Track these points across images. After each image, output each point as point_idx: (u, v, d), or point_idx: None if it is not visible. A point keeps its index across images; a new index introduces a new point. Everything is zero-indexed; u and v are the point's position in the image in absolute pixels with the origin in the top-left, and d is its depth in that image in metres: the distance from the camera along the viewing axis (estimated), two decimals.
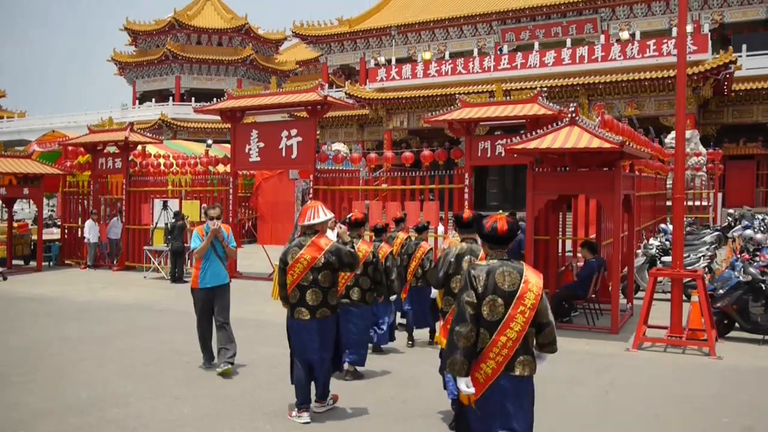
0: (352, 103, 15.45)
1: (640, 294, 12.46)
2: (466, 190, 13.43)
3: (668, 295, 12.01)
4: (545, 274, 12.12)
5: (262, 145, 15.52)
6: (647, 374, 7.70)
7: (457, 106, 13.37)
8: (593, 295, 10.43)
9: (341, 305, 6.63)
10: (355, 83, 35.72)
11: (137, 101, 47.98)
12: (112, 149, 18.05)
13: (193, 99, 43.49)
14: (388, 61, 33.78)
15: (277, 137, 15.28)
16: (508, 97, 13.00)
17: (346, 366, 6.95)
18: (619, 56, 28.35)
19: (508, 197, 32.50)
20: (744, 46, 29.71)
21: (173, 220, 15.74)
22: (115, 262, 17.95)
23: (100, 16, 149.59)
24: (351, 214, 7.63)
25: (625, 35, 28.67)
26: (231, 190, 16.17)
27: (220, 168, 18.08)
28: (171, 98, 44.94)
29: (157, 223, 16.93)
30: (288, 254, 5.82)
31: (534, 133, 9.92)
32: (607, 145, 9.16)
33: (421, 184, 14.08)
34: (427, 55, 33.03)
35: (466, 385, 3.70)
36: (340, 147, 26.08)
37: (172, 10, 44.47)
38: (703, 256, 13.66)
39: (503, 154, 12.93)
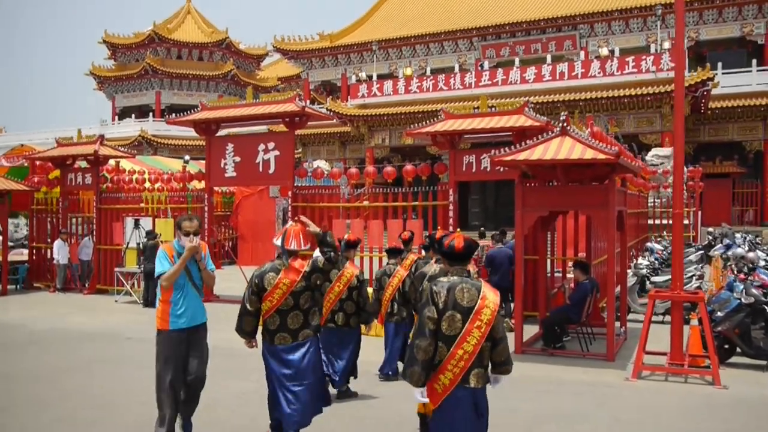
0: (331, 115, 14.66)
1: (630, 316, 11.79)
2: (451, 207, 12.69)
3: (659, 317, 11.48)
4: (534, 296, 11.51)
5: (238, 159, 14.70)
6: (651, 408, 6.95)
7: (440, 118, 12.68)
8: (584, 319, 9.71)
9: (327, 327, 6.75)
10: (336, 99, 35.03)
11: (117, 117, 46.81)
12: (84, 164, 17.08)
13: (173, 115, 42.41)
14: (370, 77, 33.14)
15: (253, 151, 14.47)
16: (493, 109, 12.34)
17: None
18: (599, 73, 27.96)
19: (490, 216, 31.87)
20: (719, 64, 29.49)
21: (145, 240, 14.81)
22: (86, 285, 16.93)
23: (78, 28, 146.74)
24: (346, 235, 7.32)
25: (604, 51, 28.28)
26: (206, 208, 15.28)
27: (198, 185, 17.16)
28: (151, 114, 43.87)
29: (128, 243, 15.99)
30: (264, 280, 5.21)
31: (522, 144, 9.21)
32: (601, 156, 8.48)
33: (404, 201, 13.31)
34: (409, 71, 32.46)
35: (420, 395, 3.93)
36: (321, 164, 25.27)
37: (151, 23, 43.46)
38: (693, 276, 13.02)
39: (488, 169, 12.30)
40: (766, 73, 28.86)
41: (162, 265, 5.52)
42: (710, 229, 23.63)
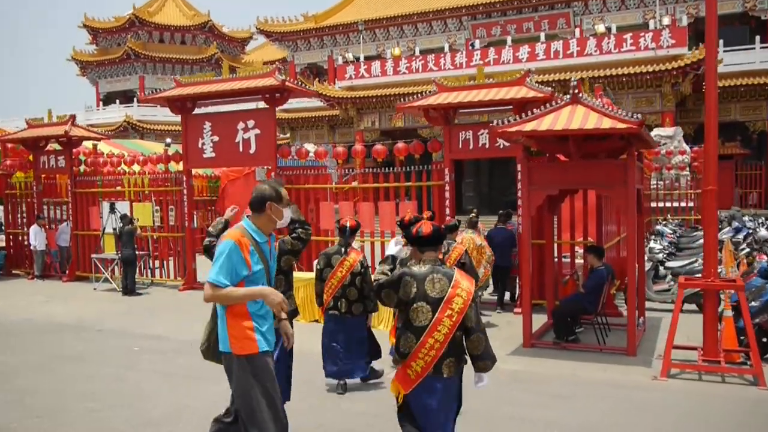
0: (314, 90, 13.40)
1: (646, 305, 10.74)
2: (447, 187, 11.54)
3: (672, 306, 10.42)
4: (540, 284, 10.43)
5: (216, 139, 13.47)
6: (693, 417, 5.87)
7: (433, 91, 11.50)
8: (600, 309, 8.63)
9: (329, 314, 6.68)
10: (323, 82, 33.69)
11: (101, 103, 45.16)
12: (58, 147, 15.79)
13: (148, 95, 40.83)
14: (357, 59, 31.82)
15: (232, 130, 13.23)
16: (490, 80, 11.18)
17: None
18: (595, 51, 26.78)
19: (484, 201, 30.77)
20: (721, 42, 28.18)
21: (120, 225, 13.60)
22: (65, 272, 15.75)
23: (57, 11, 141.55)
24: (342, 220, 6.91)
25: (601, 28, 27.02)
26: (185, 191, 14.04)
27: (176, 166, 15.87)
28: (135, 99, 42.32)
29: (105, 228, 14.77)
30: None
31: (526, 115, 8.06)
32: (621, 125, 7.35)
33: (396, 182, 12.15)
34: (397, 51, 31.13)
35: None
36: (310, 148, 24.06)
37: (131, 6, 41.75)
38: None
39: (487, 145, 11.19)
40: None
41: (229, 267, 3.64)
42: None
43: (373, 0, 38.18)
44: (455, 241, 8.21)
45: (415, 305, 3.76)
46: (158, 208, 14.50)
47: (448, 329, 3.71)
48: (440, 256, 4.25)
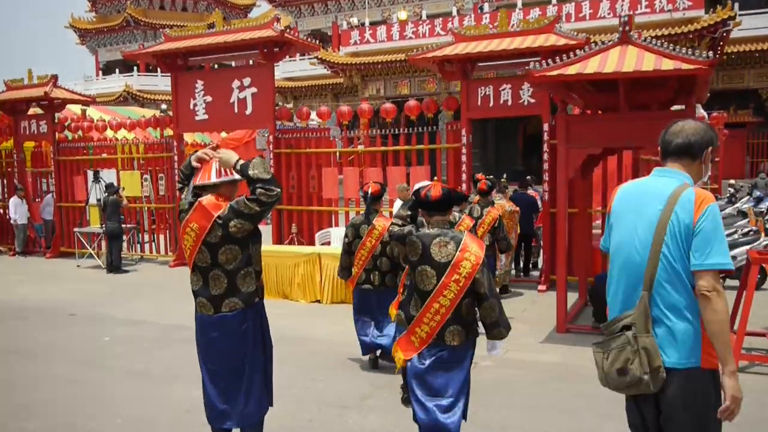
0: (317, 44, 11.90)
1: None
2: (464, 150, 10.12)
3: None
4: (572, 260, 9.09)
5: (209, 99, 12.02)
6: None
7: (449, 41, 10.03)
8: None
9: (360, 289, 5.94)
10: (327, 49, 31.97)
11: (101, 72, 43.44)
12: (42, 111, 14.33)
13: (158, 69, 39.20)
14: (362, 24, 30.08)
15: (226, 89, 11.79)
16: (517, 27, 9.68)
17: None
18: (608, 14, 25.01)
19: (491, 170, 29.00)
20: (736, 5, 26.47)
21: (105, 195, 12.24)
22: (49, 247, 14.44)
23: None
24: (366, 186, 6.18)
25: None
26: (175, 158, 12.62)
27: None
28: (135, 68, 40.61)
29: (88, 200, 13.42)
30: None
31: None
32: (687, 66, 5.90)
33: (407, 145, 10.72)
34: (403, 15, 29.40)
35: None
36: (313, 117, 22.65)
37: None
38: (752, 231, 10.53)
39: (510, 103, 9.73)
40: None
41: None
42: (731, 182, 21.09)
43: None
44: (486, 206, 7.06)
45: (419, 268, 3.51)
46: (147, 177, 13.11)
47: (454, 294, 3.43)
48: (470, 222, 4.29)
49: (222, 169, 3.66)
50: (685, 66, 5.89)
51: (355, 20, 30.58)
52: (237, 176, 3.60)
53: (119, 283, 11.02)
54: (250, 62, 12.64)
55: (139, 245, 13.58)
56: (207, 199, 3.62)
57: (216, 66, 14.22)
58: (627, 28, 6.55)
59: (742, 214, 15.26)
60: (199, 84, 12.08)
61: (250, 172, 3.46)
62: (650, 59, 6.18)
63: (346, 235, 6.02)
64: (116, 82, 39.89)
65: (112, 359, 6.46)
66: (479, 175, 8.38)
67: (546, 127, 9.56)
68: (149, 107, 35.45)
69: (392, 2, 34.58)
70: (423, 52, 10.12)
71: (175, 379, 5.69)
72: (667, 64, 6.00)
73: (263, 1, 38.99)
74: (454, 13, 28.88)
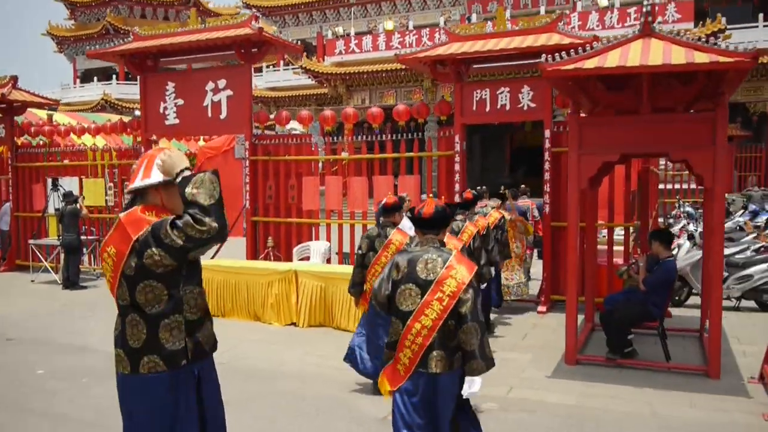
0: (298, 45, 10.91)
1: (692, 301, 8.57)
2: (458, 158, 9.19)
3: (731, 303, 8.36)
4: (581, 277, 8.17)
5: (181, 102, 10.99)
6: None
7: (442, 40, 9.13)
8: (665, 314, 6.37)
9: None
10: (312, 59, 31.10)
11: (79, 80, 42.15)
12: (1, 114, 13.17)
13: (138, 78, 37.96)
14: (348, 34, 29.28)
15: (200, 91, 10.77)
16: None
17: None
18: (597, 25, 24.53)
19: (476, 183, 28.35)
20: (723, 19, 26.03)
21: (63, 204, 11.15)
22: (4, 260, 13.25)
23: None
24: (384, 199, 5.81)
25: (603, 2, 24.75)
26: None
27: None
28: (115, 77, 39.45)
29: (46, 209, 12.31)
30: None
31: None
32: (725, 59, 5.02)
33: (395, 152, 9.78)
34: (390, 25, 28.64)
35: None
36: (296, 126, 21.66)
37: None
38: (763, 247, 9.68)
39: (508, 107, 8.83)
40: None
41: None
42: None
43: None
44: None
45: (402, 287, 3.29)
46: (111, 185, 12.02)
47: (437, 314, 3.18)
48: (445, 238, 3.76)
49: (157, 173, 2.70)
50: (722, 59, 5.01)
51: (340, 30, 29.74)
52: (166, 178, 2.65)
53: (74, 300, 9.90)
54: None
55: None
56: (130, 214, 2.66)
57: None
58: (650, 18, 5.67)
59: (741, 229, 14.51)
60: (170, 86, 11.05)
61: (188, 190, 2.53)
62: (679, 52, 5.30)
63: (359, 248, 5.61)
64: (94, 90, 38.75)
65: (42, 398, 5.38)
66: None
67: (547, 133, 8.67)
68: (128, 116, 34.27)
69: (378, 13, 33.83)
70: (414, 52, 9.21)
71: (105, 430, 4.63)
72: (701, 57, 5.12)
73: (247, 11, 38.05)
74: (442, 23, 28.18)
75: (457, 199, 8.31)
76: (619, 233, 9.67)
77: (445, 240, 3.47)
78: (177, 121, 11.05)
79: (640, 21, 5.75)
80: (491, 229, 6.86)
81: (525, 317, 8.34)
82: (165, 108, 11.10)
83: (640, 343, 6.49)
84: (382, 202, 5.69)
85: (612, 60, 5.42)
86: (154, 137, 11.33)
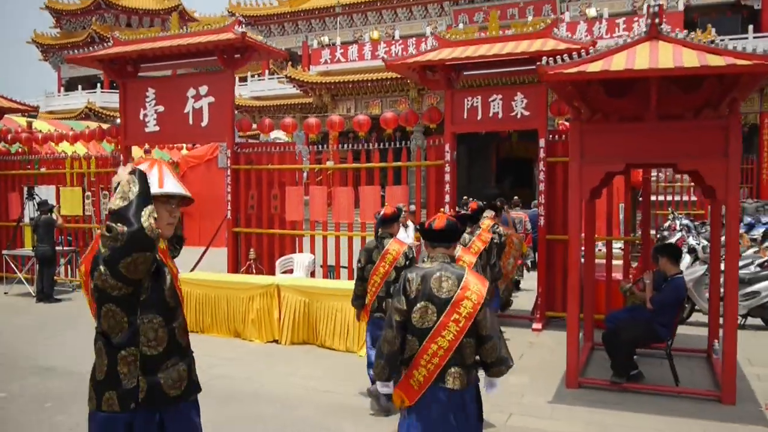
0: (282, 51, 10.43)
1: (694, 318, 8.17)
2: (448, 168, 8.74)
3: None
4: (582, 293, 7.72)
5: (161, 109, 10.45)
6: None
7: (432, 45, 8.72)
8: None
9: (373, 318, 5.28)
10: (297, 68, 30.65)
11: (63, 88, 41.35)
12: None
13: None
14: (333, 44, 28.87)
15: (180, 97, 10.25)
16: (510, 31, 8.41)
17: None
18: (586, 35, 24.18)
19: (461, 194, 27.99)
20: (713, 31, 25.96)
21: (38, 213, 10.56)
22: None
23: None
24: (382, 210, 5.69)
25: (592, 12, 24.59)
26: None
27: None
28: (99, 85, 38.75)
29: (21, 218, 11.70)
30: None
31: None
32: (743, 62, 4.63)
33: (382, 161, 9.32)
34: (376, 35, 28.26)
35: (382, 386, 3.28)
36: (280, 135, 21.18)
37: None
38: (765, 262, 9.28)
39: (501, 115, 8.41)
40: (764, 39, 25.41)
41: None
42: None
43: None
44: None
45: (418, 305, 3.12)
46: (89, 194, 11.44)
47: (453, 335, 3.05)
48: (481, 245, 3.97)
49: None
50: (740, 62, 4.61)
51: (326, 39, 29.34)
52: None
53: (47, 314, 9.30)
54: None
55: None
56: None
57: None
58: (657, 20, 5.27)
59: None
60: (151, 92, 10.51)
61: (112, 199, 2.23)
62: (691, 55, 4.90)
63: (358, 261, 5.53)
64: (78, 99, 38.04)
65: None
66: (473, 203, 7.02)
67: (542, 142, 8.25)
68: (110, 124, 33.61)
69: (364, 23, 33.49)
70: (402, 57, 8.77)
71: None
72: (716, 60, 4.72)
73: (231, 18, 37.57)
74: (428, 33, 27.82)
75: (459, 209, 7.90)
76: (618, 246, 9.29)
77: (458, 254, 3.30)
78: (157, 128, 10.51)
79: (647, 23, 5.35)
80: (493, 244, 6.41)
81: (520, 335, 7.87)
82: (145, 115, 10.56)
83: (645, 365, 6.06)
84: (380, 213, 5.55)
85: (618, 63, 5.01)
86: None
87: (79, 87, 39.37)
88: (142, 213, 2.16)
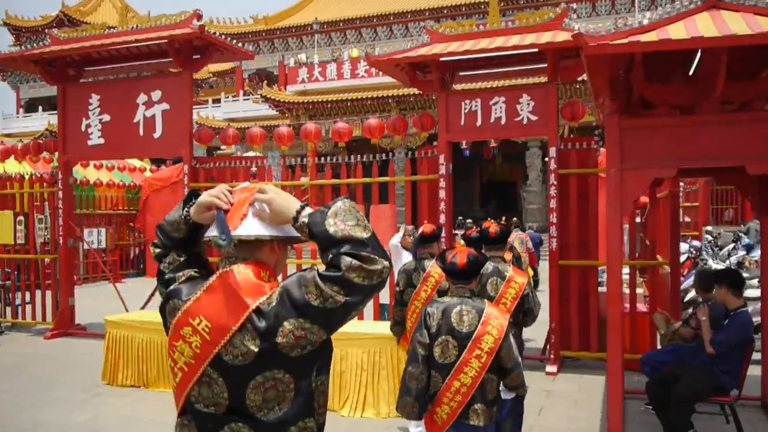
0: (251, 52, 9.25)
1: None
2: (442, 183, 7.58)
3: None
4: (587, 327, 6.48)
5: (107, 118, 9.22)
6: None
7: (424, 40, 7.64)
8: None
9: None
10: (273, 88, 29.63)
11: (22, 110, 39.80)
12: None
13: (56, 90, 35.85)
14: (311, 62, 27.93)
15: (130, 105, 9.03)
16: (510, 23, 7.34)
17: None
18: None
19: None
20: None
21: None
22: None
23: None
24: (422, 227, 5.14)
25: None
26: (60, 195, 9.62)
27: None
28: None
29: None
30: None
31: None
32: None
33: (367, 176, 8.13)
34: (356, 52, 27.34)
35: (415, 426, 3.45)
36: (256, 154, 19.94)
37: (63, 4, 36.85)
38: None
39: (504, 121, 7.30)
40: None
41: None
42: (708, 228, 19.26)
43: (330, 3, 34.44)
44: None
45: (439, 339, 3.13)
46: (22, 218, 10.06)
47: (476, 372, 3.06)
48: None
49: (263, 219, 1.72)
50: None
51: (303, 56, 28.39)
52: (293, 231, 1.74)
53: None
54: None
55: (8, 308, 10.28)
56: (238, 273, 1.67)
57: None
58: None
59: (739, 265, 13.18)
60: (95, 99, 9.27)
61: (330, 228, 1.60)
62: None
63: (397, 284, 5.07)
64: (39, 121, 36.54)
65: None
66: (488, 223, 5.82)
67: (553, 152, 7.14)
68: None
69: (343, 42, 32.68)
70: (390, 53, 7.65)
71: None
72: None
73: None
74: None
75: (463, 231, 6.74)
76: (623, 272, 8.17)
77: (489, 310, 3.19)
78: (102, 140, 9.26)
79: None
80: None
81: (533, 381, 6.62)
82: (88, 125, 9.31)
83: (696, 419, 4.86)
84: (419, 232, 5.20)
85: (678, 32, 3.91)
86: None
87: (40, 108, 37.87)
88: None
